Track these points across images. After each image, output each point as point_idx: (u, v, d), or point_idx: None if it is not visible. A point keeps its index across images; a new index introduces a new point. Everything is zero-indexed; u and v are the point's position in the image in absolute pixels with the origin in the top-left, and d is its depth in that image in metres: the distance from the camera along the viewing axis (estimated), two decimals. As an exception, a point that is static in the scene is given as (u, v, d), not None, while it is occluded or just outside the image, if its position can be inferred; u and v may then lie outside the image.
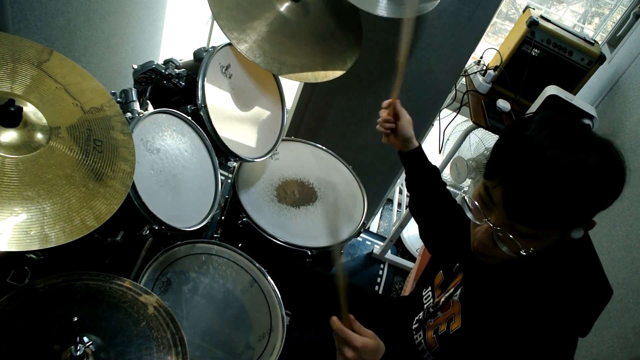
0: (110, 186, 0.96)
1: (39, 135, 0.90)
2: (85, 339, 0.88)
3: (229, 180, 1.75)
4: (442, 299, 1.10)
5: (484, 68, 2.20)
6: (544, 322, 0.87)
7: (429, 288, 1.22)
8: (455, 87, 2.14)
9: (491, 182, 0.84)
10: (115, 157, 1.00)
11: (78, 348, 0.85)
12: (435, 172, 1.34)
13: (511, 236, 0.83)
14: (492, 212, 0.86)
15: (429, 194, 1.33)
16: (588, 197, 0.78)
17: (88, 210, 0.90)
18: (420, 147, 1.32)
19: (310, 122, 2.23)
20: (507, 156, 0.82)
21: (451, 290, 1.09)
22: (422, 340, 1.13)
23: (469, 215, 0.91)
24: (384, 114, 1.29)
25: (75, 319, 0.83)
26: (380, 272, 2.59)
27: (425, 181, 1.33)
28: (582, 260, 0.91)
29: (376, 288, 2.50)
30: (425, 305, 1.20)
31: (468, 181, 2.45)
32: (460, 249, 1.08)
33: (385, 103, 1.30)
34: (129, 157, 1.03)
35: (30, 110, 0.91)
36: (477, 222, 0.90)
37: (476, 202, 0.89)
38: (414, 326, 1.19)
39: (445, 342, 1.06)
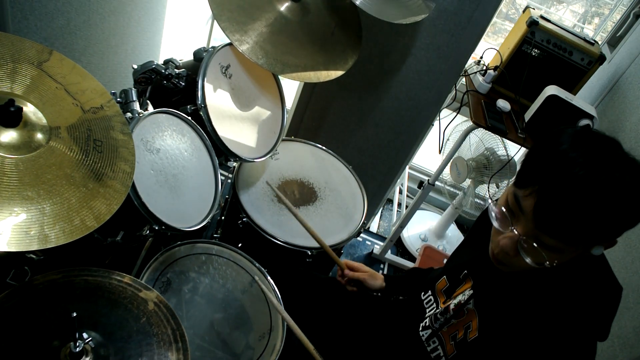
0: (110, 186, 0.96)
1: (39, 135, 0.90)
2: (85, 335, 0.87)
3: (229, 180, 1.75)
4: (452, 306, 1.08)
5: (484, 68, 2.20)
6: (564, 330, 0.87)
7: (429, 292, 1.21)
8: (455, 87, 2.14)
9: (523, 191, 0.84)
10: (115, 157, 1.00)
11: (77, 344, 0.85)
12: (413, 275, 1.41)
13: (536, 245, 0.83)
14: (519, 221, 0.86)
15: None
16: (618, 216, 0.78)
17: (88, 210, 0.90)
18: (386, 277, 1.41)
19: (310, 122, 2.23)
20: (543, 167, 0.82)
21: (459, 297, 1.07)
22: (439, 346, 1.11)
23: (495, 223, 0.91)
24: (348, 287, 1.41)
25: (75, 314, 0.83)
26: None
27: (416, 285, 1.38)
28: (592, 259, 0.91)
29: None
30: (427, 311, 1.18)
31: (468, 181, 2.45)
32: (468, 257, 1.08)
33: (340, 279, 1.42)
34: (129, 157, 1.03)
35: (30, 110, 0.91)
36: (502, 230, 0.90)
37: (503, 209, 0.89)
38: (423, 333, 1.16)
39: (463, 350, 1.05)
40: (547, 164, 0.81)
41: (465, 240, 1.23)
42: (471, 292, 1.06)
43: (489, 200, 0.95)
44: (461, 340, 1.04)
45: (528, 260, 0.85)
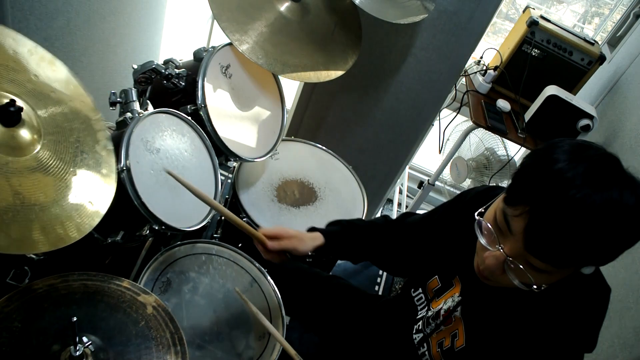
0: (91, 200, 0.95)
1: (27, 140, 0.90)
2: (85, 339, 0.88)
3: (229, 180, 1.75)
4: (442, 312, 1.07)
5: (484, 68, 2.20)
6: (551, 343, 0.86)
7: (419, 290, 1.18)
8: (455, 87, 2.14)
9: (513, 210, 0.79)
10: (98, 172, 1.00)
11: (77, 348, 0.85)
12: (373, 227, 1.28)
13: (522, 267, 0.80)
14: (507, 240, 0.82)
15: (386, 247, 1.27)
16: (616, 239, 0.74)
17: (69, 222, 0.89)
18: (325, 234, 1.22)
19: (310, 122, 2.23)
20: (535, 187, 0.76)
21: (449, 302, 1.06)
22: (427, 352, 1.10)
23: (481, 240, 0.87)
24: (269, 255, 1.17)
25: (74, 319, 0.83)
26: (380, 272, 2.59)
27: (371, 243, 1.26)
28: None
29: (376, 288, 2.50)
30: (418, 308, 1.17)
31: (468, 181, 2.45)
32: (460, 260, 1.04)
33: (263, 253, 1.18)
34: (110, 174, 1.02)
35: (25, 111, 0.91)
36: (489, 248, 0.86)
37: (489, 226, 0.85)
38: (415, 336, 1.15)
39: (450, 359, 1.04)
40: (540, 183, 0.76)
41: (456, 234, 1.13)
42: (459, 298, 1.03)
43: (476, 216, 0.89)
44: (448, 349, 1.03)
45: (516, 282, 0.82)
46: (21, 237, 0.83)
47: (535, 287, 0.82)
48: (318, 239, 1.21)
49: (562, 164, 0.75)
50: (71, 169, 0.95)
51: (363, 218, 1.71)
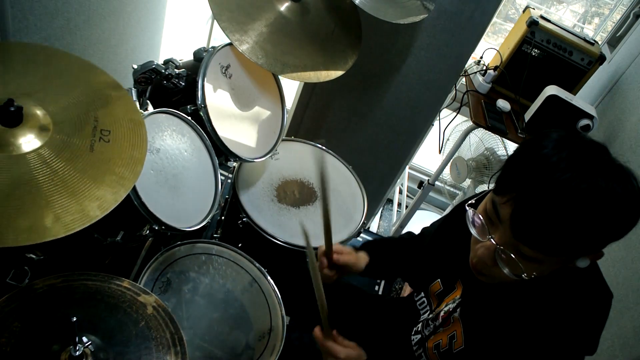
0: (117, 174, 0.94)
1: (39, 131, 0.90)
2: (85, 339, 0.88)
3: (229, 180, 1.75)
4: (442, 313, 1.06)
5: (484, 68, 2.20)
6: (552, 345, 0.86)
7: (422, 294, 1.18)
8: (455, 87, 2.14)
9: (500, 198, 0.80)
10: (124, 145, 0.98)
11: (77, 348, 0.85)
12: (402, 242, 1.34)
13: (513, 256, 0.80)
14: (497, 229, 0.82)
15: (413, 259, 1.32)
16: (602, 226, 0.73)
17: (92, 200, 0.88)
18: (370, 252, 1.26)
19: (310, 122, 2.23)
20: (521, 173, 0.77)
21: (450, 305, 1.06)
22: (423, 353, 1.10)
23: (472, 230, 0.88)
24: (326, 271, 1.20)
25: (74, 319, 0.83)
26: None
27: (407, 257, 1.31)
28: (582, 269, 0.87)
29: (376, 288, 2.50)
30: (421, 312, 1.17)
31: (468, 181, 2.45)
32: (462, 263, 1.05)
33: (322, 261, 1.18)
34: (140, 143, 1.01)
35: (34, 106, 0.91)
36: (480, 239, 0.86)
37: (481, 217, 0.86)
38: (414, 337, 1.15)
39: None
40: (526, 169, 0.76)
41: (458, 238, 1.16)
42: (460, 299, 1.03)
43: (467, 207, 0.90)
44: (445, 351, 1.03)
45: (506, 270, 0.82)
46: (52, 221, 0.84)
47: (525, 275, 0.81)
48: (365, 257, 1.26)
49: (548, 150, 0.75)
50: (91, 148, 0.95)
51: (363, 218, 1.71)
